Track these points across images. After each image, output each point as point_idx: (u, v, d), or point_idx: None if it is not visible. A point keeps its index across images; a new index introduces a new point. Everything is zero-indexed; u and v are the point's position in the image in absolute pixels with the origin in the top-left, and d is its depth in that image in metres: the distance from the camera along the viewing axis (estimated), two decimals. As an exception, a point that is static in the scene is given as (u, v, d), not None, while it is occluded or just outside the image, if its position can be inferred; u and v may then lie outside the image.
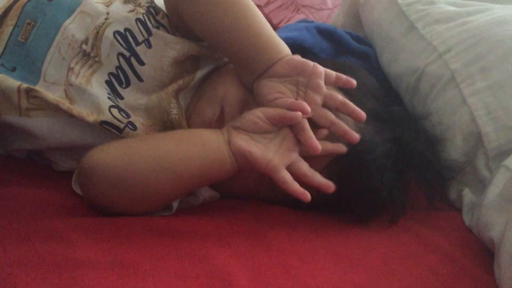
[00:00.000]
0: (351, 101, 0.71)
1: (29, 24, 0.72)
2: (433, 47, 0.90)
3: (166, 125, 0.73)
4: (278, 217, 0.71)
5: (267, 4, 1.49)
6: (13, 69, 0.71)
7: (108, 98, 0.70)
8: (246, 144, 0.65)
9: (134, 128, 0.70)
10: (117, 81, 0.72)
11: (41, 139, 0.71)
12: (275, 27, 1.40)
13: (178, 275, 0.56)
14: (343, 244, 0.67)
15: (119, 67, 0.72)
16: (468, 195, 0.80)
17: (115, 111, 0.70)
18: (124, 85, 0.73)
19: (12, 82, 0.68)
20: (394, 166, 0.73)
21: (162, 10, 0.76)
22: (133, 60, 0.72)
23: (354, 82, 0.71)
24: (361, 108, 0.71)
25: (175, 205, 0.69)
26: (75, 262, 0.55)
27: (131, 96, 0.72)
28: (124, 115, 0.70)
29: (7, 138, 0.73)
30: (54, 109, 0.69)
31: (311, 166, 0.68)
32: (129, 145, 0.66)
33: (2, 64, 0.70)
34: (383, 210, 0.74)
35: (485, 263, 0.67)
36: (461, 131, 0.82)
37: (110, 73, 0.72)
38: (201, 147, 0.66)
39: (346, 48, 1.02)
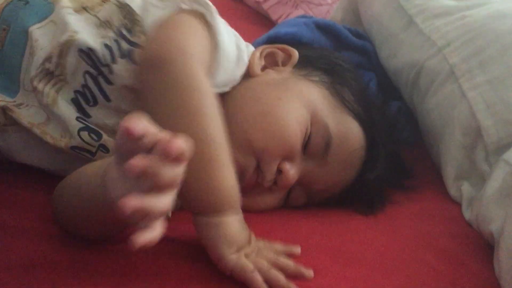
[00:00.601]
0: (343, 102, 0.74)
1: (4, 30, 0.69)
2: (432, 42, 0.89)
3: None
4: (276, 214, 0.71)
5: (266, 0, 1.49)
6: None
7: (77, 119, 0.67)
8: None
9: (107, 150, 0.67)
10: (83, 99, 0.68)
11: (16, 153, 0.69)
12: (274, 23, 1.41)
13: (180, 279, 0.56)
14: (341, 240, 0.67)
15: (85, 86, 0.67)
16: (467, 190, 0.80)
17: (84, 135, 0.66)
18: (91, 103, 0.68)
19: None
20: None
21: (138, 25, 0.68)
22: (100, 79, 0.67)
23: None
24: (362, 126, 0.74)
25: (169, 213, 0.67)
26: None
27: (98, 115, 0.68)
28: (95, 137, 0.67)
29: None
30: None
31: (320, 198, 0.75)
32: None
33: None
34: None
35: (485, 257, 0.67)
36: (460, 125, 0.82)
37: (76, 91, 0.67)
38: None
39: (345, 43, 1.02)
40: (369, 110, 0.77)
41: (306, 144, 0.71)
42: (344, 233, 0.69)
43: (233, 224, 0.58)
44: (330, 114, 0.73)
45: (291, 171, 0.70)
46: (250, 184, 0.69)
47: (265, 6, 1.48)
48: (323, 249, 0.64)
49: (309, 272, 0.58)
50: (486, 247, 0.69)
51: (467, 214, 0.77)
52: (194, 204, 0.58)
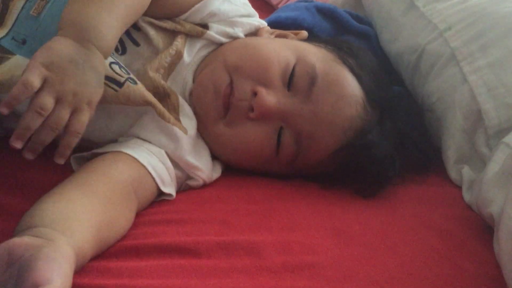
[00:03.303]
0: (344, 62, 0.75)
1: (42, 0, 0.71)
2: (434, 25, 0.89)
3: (157, 91, 0.71)
4: (278, 194, 0.71)
5: (267, -16, 1.48)
6: (23, 42, 0.69)
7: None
8: None
9: (134, 82, 0.69)
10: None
11: None
12: (274, 8, 1.40)
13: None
14: (342, 220, 0.67)
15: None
16: (468, 173, 0.80)
17: (115, 67, 0.68)
18: (120, 52, 0.72)
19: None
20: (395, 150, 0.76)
21: None
22: (130, 29, 0.71)
23: None
24: (363, 87, 0.74)
25: (174, 191, 0.69)
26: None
27: (126, 62, 0.71)
28: (124, 71, 0.69)
29: (10, 118, 0.72)
30: None
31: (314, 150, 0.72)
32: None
33: (13, 38, 0.69)
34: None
35: (485, 238, 0.68)
36: (461, 109, 0.82)
37: None
38: None
39: (346, 28, 1.02)
40: (380, 87, 0.77)
41: (290, 81, 0.72)
42: (345, 213, 0.69)
43: (66, 47, 0.58)
44: (321, 60, 0.74)
45: (268, 96, 0.71)
46: (225, 100, 0.71)
47: (266, -10, 1.47)
48: (323, 229, 0.65)
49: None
50: (486, 228, 0.69)
51: (467, 197, 0.77)
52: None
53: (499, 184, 0.69)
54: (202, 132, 0.74)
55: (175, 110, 0.72)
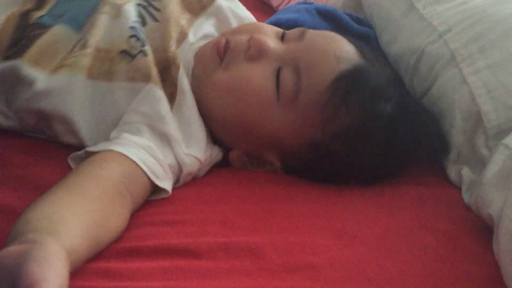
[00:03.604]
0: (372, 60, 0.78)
1: None
2: (433, 27, 0.90)
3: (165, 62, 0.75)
4: (278, 194, 0.72)
5: (267, -14, 1.48)
6: (61, 15, 0.76)
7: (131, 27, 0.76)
8: None
9: (145, 55, 0.73)
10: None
11: (60, 97, 0.71)
12: (275, 9, 1.41)
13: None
14: (343, 221, 0.67)
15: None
16: (467, 174, 0.80)
17: (132, 40, 0.74)
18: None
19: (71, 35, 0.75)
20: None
21: None
22: (150, 8, 0.79)
23: None
24: (359, 50, 0.77)
25: (169, 185, 0.69)
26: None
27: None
28: (140, 44, 0.74)
29: (29, 98, 0.73)
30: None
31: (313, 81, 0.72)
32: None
33: (52, 14, 0.76)
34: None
35: (484, 240, 0.68)
36: (461, 110, 0.82)
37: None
38: None
39: (346, 29, 1.02)
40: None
41: (282, 37, 0.77)
42: (345, 214, 0.70)
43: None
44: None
45: (263, 36, 0.74)
46: (220, 47, 0.74)
47: (267, -8, 1.47)
48: (323, 230, 0.65)
49: None
50: (485, 229, 0.69)
51: (467, 198, 0.77)
52: None
53: (499, 185, 0.69)
54: (202, 92, 0.75)
55: (173, 82, 0.74)
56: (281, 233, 0.63)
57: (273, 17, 1.01)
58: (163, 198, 0.69)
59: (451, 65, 0.85)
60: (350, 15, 1.05)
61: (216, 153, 0.76)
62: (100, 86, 0.73)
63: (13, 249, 0.47)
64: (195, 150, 0.72)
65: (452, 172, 0.83)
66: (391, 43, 0.97)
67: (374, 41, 1.03)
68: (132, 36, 0.74)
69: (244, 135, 0.75)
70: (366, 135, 0.74)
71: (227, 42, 0.75)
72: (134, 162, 0.66)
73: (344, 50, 0.75)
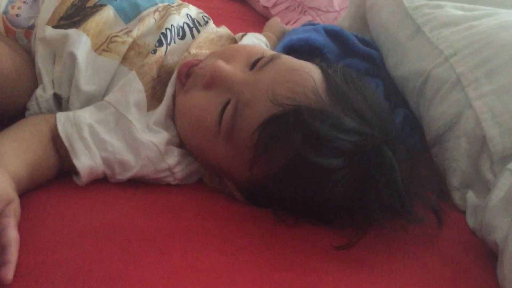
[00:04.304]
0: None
1: None
2: (440, 51, 0.90)
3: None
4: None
5: (274, 5, 1.50)
6: None
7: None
8: None
9: (154, 52, 0.78)
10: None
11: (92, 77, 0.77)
12: (261, 13, 1.41)
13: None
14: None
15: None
16: (472, 198, 0.80)
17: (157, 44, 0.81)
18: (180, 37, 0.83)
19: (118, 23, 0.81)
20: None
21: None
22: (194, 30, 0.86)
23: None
24: (327, 79, 0.69)
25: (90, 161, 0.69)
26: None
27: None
28: (157, 43, 0.80)
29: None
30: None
31: (245, 120, 0.68)
32: None
33: None
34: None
35: (488, 265, 0.68)
36: (466, 134, 0.82)
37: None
38: None
39: (352, 50, 1.03)
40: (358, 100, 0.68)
41: (254, 64, 0.72)
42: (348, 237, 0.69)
43: None
44: None
45: (223, 64, 0.72)
46: (188, 68, 0.75)
47: (274, 11, 1.49)
48: (328, 254, 0.64)
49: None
50: (490, 255, 0.69)
51: (471, 222, 0.77)
52: None
53: (504, 211, 0.69)
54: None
55: (165, 84, 0.77)
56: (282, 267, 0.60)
57: (285, 40, 1.01)
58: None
59: (456, 89, 0.86)
60: (356, 36, 1.06)
61: (191, 161, 0.74)
62: (123, 70, 0.78)
63: None
64: (154, 139, 0.71)
65: (456, 196, 0.83)
66: (397, 65, 0.98)
67: (379, 62, 1.04)
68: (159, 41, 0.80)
69: (202, 157, 0.74)
70: (295, 181, 0.67)
71: (193, 66, 0.76)
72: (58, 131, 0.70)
73: (295, 88, 0.66)
